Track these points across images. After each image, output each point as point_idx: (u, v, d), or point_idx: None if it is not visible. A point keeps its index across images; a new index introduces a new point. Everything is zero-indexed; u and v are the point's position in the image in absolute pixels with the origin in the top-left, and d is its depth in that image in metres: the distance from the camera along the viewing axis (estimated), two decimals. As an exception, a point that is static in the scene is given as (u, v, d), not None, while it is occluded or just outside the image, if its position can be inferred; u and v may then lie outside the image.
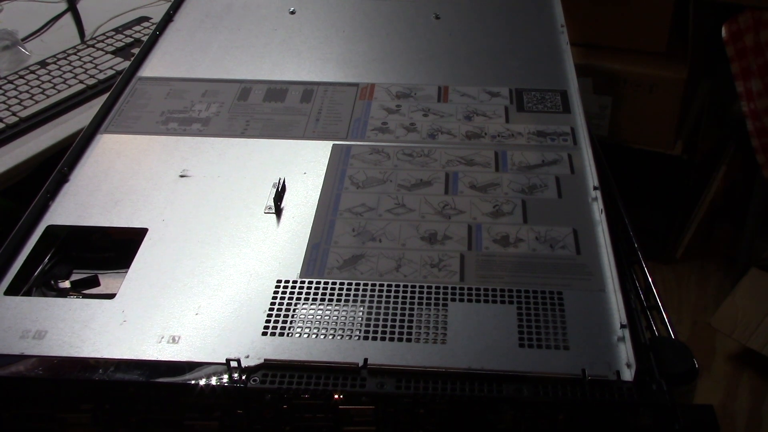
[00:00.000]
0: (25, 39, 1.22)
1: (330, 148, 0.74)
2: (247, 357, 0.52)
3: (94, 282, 0.63)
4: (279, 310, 0.56)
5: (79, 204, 0.67)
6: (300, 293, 0.58)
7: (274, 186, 0.68)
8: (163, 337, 0.54)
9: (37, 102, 1.03)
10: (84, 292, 0.62)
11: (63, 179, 0.70)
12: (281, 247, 0.62)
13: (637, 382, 0.50)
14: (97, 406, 0.52)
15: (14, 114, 1.01)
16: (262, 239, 0.63)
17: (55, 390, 0.52)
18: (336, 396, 0.50)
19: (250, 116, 0.79)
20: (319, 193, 0.68)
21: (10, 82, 1.08)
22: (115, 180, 0.70)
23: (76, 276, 0.64)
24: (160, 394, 0.52)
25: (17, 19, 1.27)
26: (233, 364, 0.51)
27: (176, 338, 0.54)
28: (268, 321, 0.55)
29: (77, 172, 0.72)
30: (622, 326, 0.54)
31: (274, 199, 0.66)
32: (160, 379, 0.51)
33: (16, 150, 0.96)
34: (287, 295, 0.57)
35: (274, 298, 0.57)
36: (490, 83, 0.83)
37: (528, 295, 0.57)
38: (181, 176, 0.70)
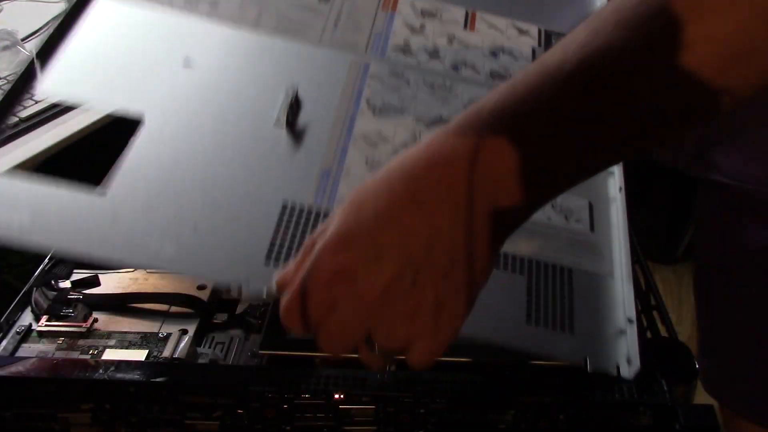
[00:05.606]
0: (25, 39, 1.22)
1: (347, 62, 0.68)
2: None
3: (95, 282, 0.63)
4: (284, 237, 0.53)
5: (72, 78, 0.63)
6: (306, 224, 0.55)
7: (286, 95, 0.62)
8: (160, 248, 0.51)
9: (37, 102, 1.03)
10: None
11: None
12: (288, 167, 0.58)
13: (638, 382, 0.50)
14: (97, 406, 0.52)
15: (14, 114, 1.01)
16: (269, 155, 0.59)
17: (56, 390, 0.52)
18: (336, 395, 0.50)
19: (264, 5, 0.71)
20: (332, 112, 0.63)
21: (10, 82, 1.08)
22: (111, 56, 0.64)
23: (76, 276, 0.64)
24: (161, 394, 0.52)
25: (17, 19, 1.27)
26: None
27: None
28: (271, 248, 0.53)
29: (70, 40, 0.67)
30: (629, 321, 0.54)
31: (285, 111, 0.61)
32: (160, 379, 0.51)
33: (16, 150, 0.96)
34: (293, 223, 0.54)
35: (279, 224, 0.54)
36: (520, 16, 0.76)
37: (539, 268, 0.56)
38: (185, 66, 0.64)
